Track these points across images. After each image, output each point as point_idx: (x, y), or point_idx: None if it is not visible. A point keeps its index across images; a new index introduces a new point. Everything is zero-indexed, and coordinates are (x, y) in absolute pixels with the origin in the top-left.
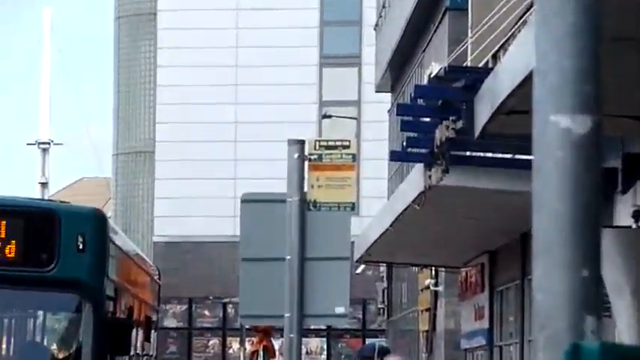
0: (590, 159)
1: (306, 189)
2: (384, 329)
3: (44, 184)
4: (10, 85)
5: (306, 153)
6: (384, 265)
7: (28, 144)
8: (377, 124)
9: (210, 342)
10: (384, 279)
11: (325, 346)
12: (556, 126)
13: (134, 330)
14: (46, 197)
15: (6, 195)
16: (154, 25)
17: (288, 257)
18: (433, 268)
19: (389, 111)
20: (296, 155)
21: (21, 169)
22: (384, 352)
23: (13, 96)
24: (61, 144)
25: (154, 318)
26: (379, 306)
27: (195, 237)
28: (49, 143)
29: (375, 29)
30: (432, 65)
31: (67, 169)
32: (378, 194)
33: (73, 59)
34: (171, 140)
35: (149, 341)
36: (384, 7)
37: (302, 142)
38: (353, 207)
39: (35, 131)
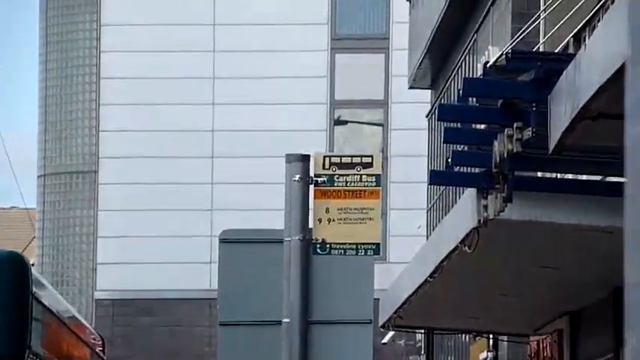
0: None
1: (311, 224)
2: None
3: None
4: None
5: (312, 174)
6: (422, 332)
7: None
8: (411, 134)
9: None
10: (422, 352)
11: None
12: None
13: None
14: None
15: None
16: None
17: (286, 320)
18: (491, 336)
19: (428, 115)
20: (297, 177)
21: None
22: None
23: None
24: None
25: None
26: None
27: (155, 292)
28: None
29: (408, 1)
30: (489, 50)
31: None
32: (413, 232)
33: None
34: (122, 156)
35: None
36: None
37: (306, 159)
38: (377, 249)
39: None
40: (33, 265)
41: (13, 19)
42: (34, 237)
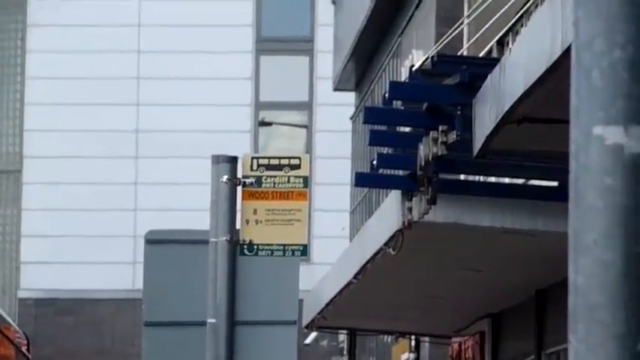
0: None
1: (238, 225)
2: None
3: None
4: None
5: (239, 175)
6: (345, 332)
7: None
8: (335, 135)
9: None
10: (345, 352)
11: None
12: (602, 142)
13: None
14: None
15: None
16: None
17: (212, 321)
18: (413, 337)
19: (353, 117)
20: (224, 178)
21: None
22: None
23: None
24: None
25: None
26: None
27: (79, 292)
28: None
29: (333, 2)
30: (414, 54)
31: None
32: (337, 233)
33: None
34: (46, 155)
35: None
36: None
37: (234, 160)
38: (305, 250)
39: None
40: None
41: None
42: None
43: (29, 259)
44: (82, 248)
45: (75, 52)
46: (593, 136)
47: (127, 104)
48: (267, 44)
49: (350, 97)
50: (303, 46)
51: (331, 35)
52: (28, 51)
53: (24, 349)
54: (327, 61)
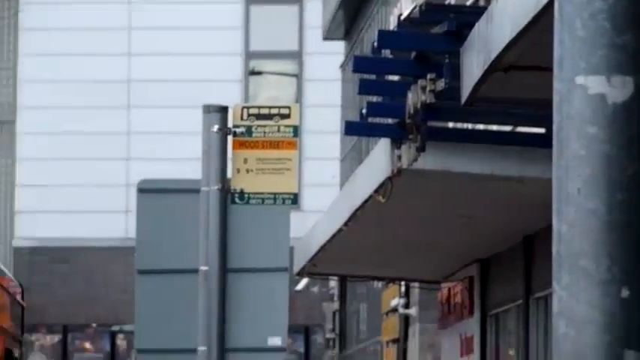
0: (632, 136)
1: (229, 174)
2: None
3: None
4: None
5: (230, 124)
6: (335, 279)
7: None
8: (325, 84)
9: None
10: (335, 298)
11: None
12: (585, 91)
13: None
14: None
15: None
16: None
17: (204, 268)
18: (403, 283)
19: (342, 66)
20: (215, 127)
21: None
22: None
23: None
24: None
25: (16, 352)
26: (328, 336)
27: (73, 240)
28: None
29: None
30: (402, 2)
31: None
32: (327, 181)
33: None
34: (40, 106)
35: None
36: None
37: (224, 110)
38: (295, 199)
39: None
40: None
41: None
42: None
43: (24, 209)
44: (76, 197)
45: (66, 2)
46: (576, 86)
47: (118, 54)
48: None
49: (339, 46)
50: None
51: None
52: (20, 10)
53: (18, 297)
54: (317, 10)
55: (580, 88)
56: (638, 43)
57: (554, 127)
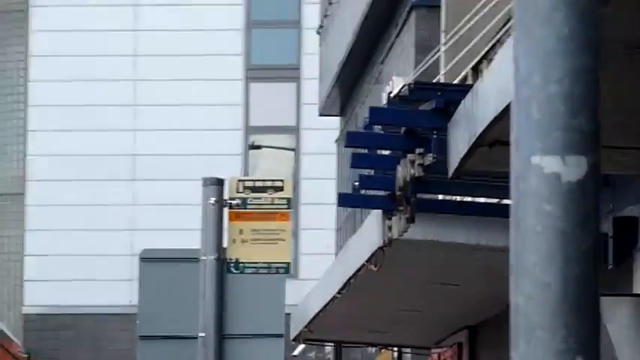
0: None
1: (225, 244)
2: None
3: None
4: None
5: (226, 197)
6: (331, 345)
7: None
8: (321, 158)
9: None
10: None
11: None
12: (540, 170)
13: None
14: None
15: None
16: (26, 24)
17: (202, 335)
18: (395, 349)
19: (337, 141)
20: (212, 199)
21: None
22: None
23: None
24: None
25: None
26: None
27: (78, 307)
28: None
29: (318, 33)
30: (394, 81)
31: None
32: (323, 251)
33: None
34: (48, 178)
35: None
36: (330, 3)
37: (220, 183)
38: (288, 268)
39: None
40: None
41: None
42: None
43: (32, 277)
44: (83, 266)
45: (73, 80)
46: (532, 165)
47: (124, 130)
48: (256, 72)
49: (335, 122)
50: (291, 73)
51: (317, 63)
52: (30, 80)
53: None
54: (313, 87)
55: (536, 167)
56: (591, 125)
57: (512, 204)
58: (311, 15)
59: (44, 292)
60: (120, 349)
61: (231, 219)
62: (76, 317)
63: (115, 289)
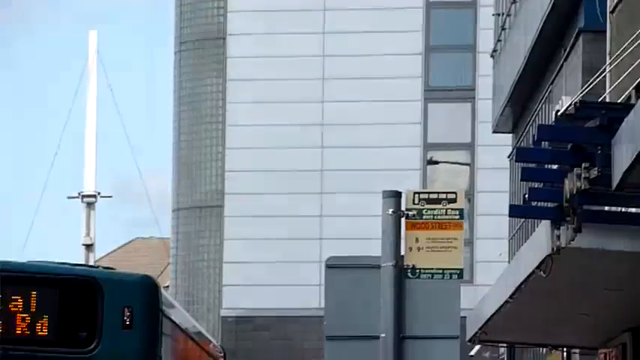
0: None
1: (403, 252)
2: None
3: (89, 246)
4: (49, 124)
5: (403, 208)
6: (504, 346)
7: (69, 197)
8: (495, 172)
9: None
10: None
11: None
12: None
13: None
14: (91, 262)
15: (38, 260)
16: (223, 52)
17: (383, 335)
18: (564, 349)
19: (509, 156)
20: (391, 210)
21: (61, 228)
22: None
23: (51, 139)
24: (110, 197)
25: None
26: None
27: (273, 310)
28: (95, 196)
29: (492, 56)
30: (562, 100)
31: (117, 228)
32: (497, 258)
33: (123, 94)
34: (244, 192)
35: None
36: (503, 29)
37: (398, 195)
38: (461, 274)
39: (78, 182)
40: (167, 287)
41: (150, 81)
42: (169, 263)
43: (230, 282)
44: (276, 273)
45: (266, 102)
46: None
47: (312, 147)
48: (434, 93)
49: (507, 139)
50: (466, 94)
51: (491, 84)
52: (228, 102)
53: None
54: (487, 107)
55: None
56: None
57: None
58: (485, 40)
59: (240, 296)
60: (311, 349)
61: (408, 228)
62: (270, 320)
63: (305, 293)
